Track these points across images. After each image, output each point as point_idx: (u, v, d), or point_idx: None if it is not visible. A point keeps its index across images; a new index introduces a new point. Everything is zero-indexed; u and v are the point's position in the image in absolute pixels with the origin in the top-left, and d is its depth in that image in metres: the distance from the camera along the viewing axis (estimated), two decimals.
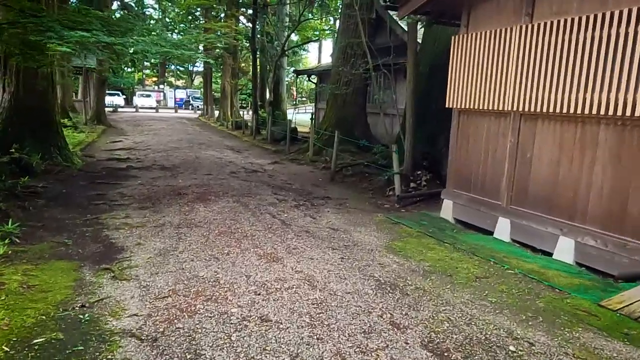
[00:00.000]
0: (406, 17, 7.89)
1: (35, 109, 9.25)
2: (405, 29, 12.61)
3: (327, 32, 28.61)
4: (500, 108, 5.78)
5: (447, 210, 6.86)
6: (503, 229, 5.89)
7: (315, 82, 20.80)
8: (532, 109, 5.34)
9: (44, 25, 5.20)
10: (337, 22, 27.91)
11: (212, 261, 4.47)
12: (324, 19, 25.66)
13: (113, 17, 6.07)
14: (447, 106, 6.71)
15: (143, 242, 5.04)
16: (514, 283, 4.43)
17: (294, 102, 43.20)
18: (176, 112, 39.02)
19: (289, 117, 21.69)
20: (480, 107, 6.10)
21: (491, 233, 6.07)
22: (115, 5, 26.28)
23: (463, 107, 6.42)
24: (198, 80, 49.53)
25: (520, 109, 5.51)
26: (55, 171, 8.77)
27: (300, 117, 25.40)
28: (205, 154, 13.04)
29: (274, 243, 5.15)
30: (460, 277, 4.51)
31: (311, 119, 22.50)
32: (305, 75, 23.22)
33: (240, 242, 5.09)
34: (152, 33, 6.05)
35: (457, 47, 6.48)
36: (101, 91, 22.09)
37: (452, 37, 6.55)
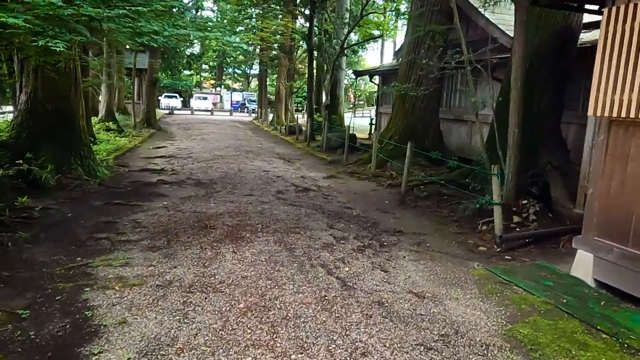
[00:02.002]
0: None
1: (56, 112, 7.92)
2: (490, 18, 10.44)
3: (392, 27, 26.47)
4: None
5: (584, 266, 4.67)
6: None
7: (378, 83, 18.78)
8: None
9: None
10: (399, 21, 25.75)
11: None
12: (387, 15, 23.45)
13: None
14: (589, 114, 4.54)
15: (131, 319, 3.30)
16: None
17: (351, 106, 41.26)
18: (231, 115, 38.23)
19: (347, 121, 19.78)
20: None
21: None
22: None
23: (617, 115, 4.23)
24: (255, 83, 48.90)
25: None
26: (70, 186, 7.36)
27: (358, 121, 23.42)
28: (252, 165, 11.36)
29: (329, 336, 3.17)
30: None
31: (371, 124, 20.46)
32: (367, 77, 21.23)
33: (277, 335, 3.16)
34: (169, 2, 4.39)
35: (609, 27, 4.28)
36: (152, 93, 21.20)
37: (604, 11, 4.37)
